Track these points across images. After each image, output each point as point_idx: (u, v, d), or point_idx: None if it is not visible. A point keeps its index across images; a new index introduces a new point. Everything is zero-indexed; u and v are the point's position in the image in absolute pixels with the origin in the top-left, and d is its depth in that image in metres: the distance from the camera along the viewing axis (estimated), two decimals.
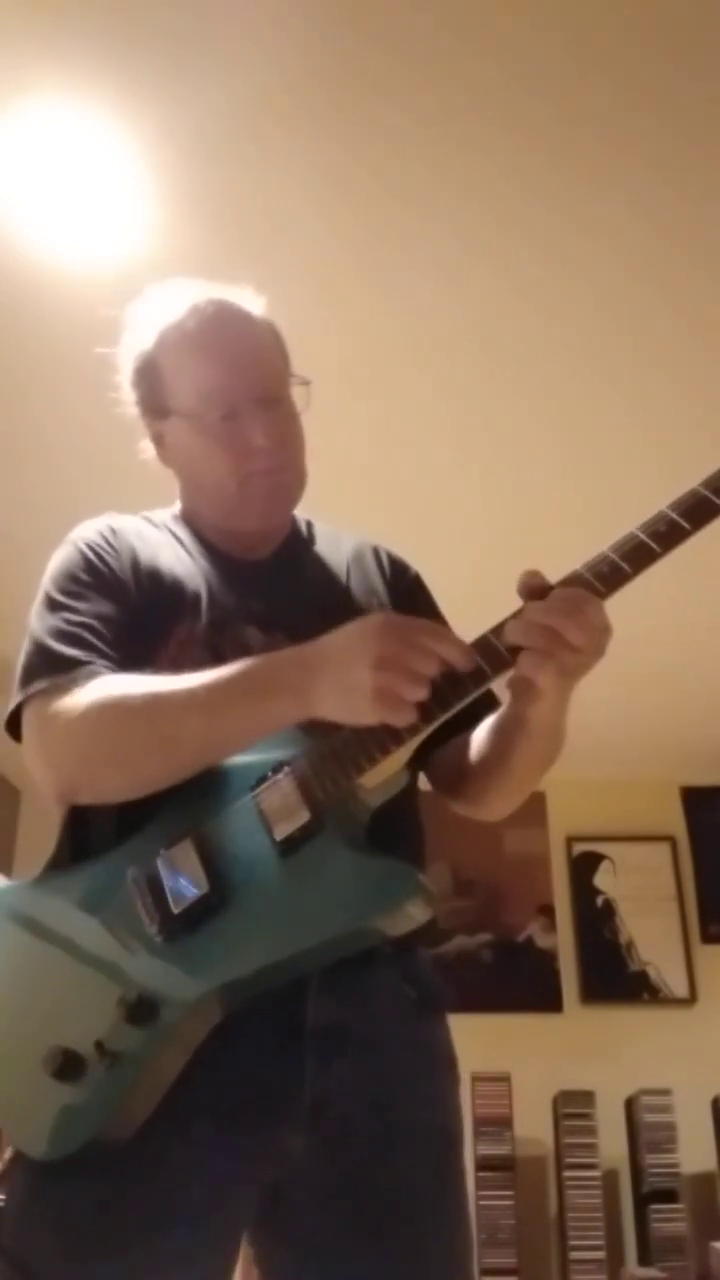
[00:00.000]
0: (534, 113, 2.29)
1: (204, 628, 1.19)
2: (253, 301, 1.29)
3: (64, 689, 1.11)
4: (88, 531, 1.26)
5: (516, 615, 1.01)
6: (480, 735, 1.19)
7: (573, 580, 1.02)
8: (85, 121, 2.28)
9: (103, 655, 1.14)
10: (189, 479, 1.31)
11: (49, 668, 1.13)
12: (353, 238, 2.56)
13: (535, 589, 1.02)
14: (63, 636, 1.15)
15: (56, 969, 1.06)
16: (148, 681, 1.09)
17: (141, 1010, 0.97)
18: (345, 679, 0.98)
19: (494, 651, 1.01)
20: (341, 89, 2.25)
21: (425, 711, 0.99)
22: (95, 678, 1.11)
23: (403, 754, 1.04)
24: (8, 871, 3.98)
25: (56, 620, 1.17)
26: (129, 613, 1.19)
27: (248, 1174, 1.03)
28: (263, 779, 1.06)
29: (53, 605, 1.19)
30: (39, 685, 1.12)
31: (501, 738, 1.15)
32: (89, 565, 1.21)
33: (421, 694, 0.97)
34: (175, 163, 2.38)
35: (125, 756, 1.09)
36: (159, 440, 1.30)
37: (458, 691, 1.00)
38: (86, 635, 1.15)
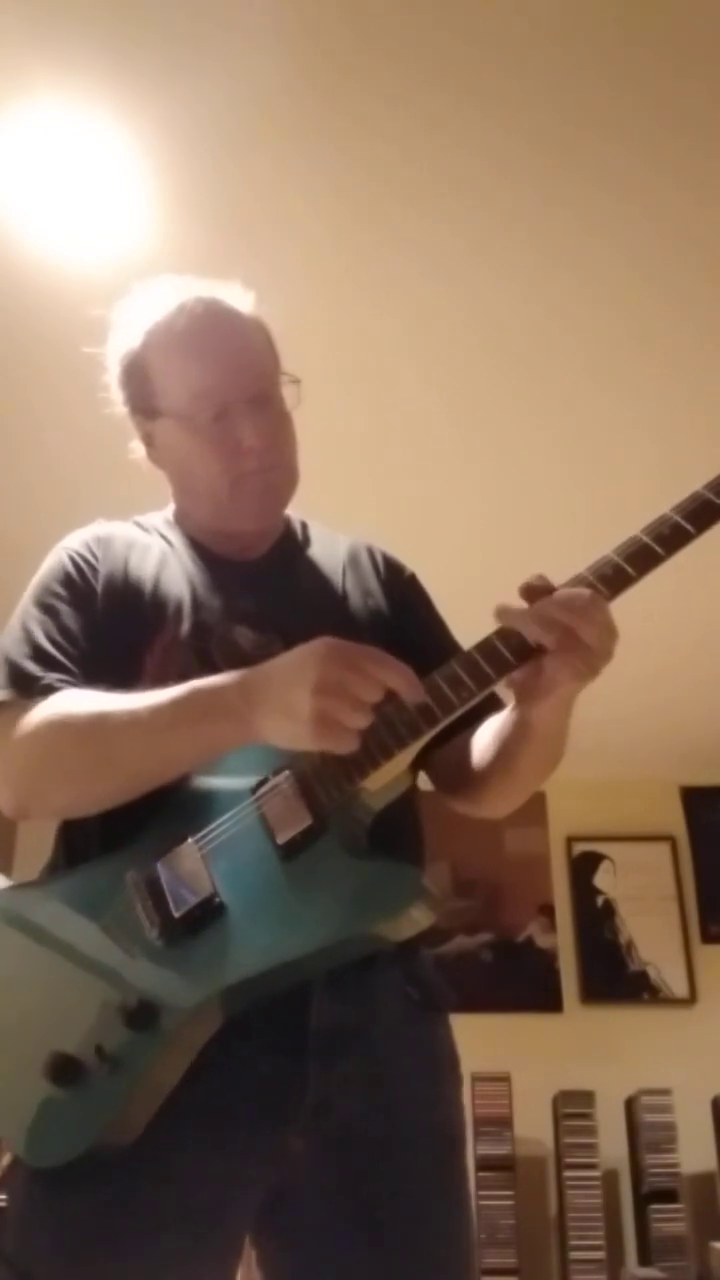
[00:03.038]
0: (534, 112, 2.29)
1: (188, 631, 1.18)
2: (241, 298, 1.27)
3: (22, 705, 1.11)
4: (73, 541, 1.26)
5: (525, 614, 1.01)
6: (484, 736, 1.19)
7: (577, 583, 1.02)
8: (85, 121, 2.28)
9: (66, 671, 1.14)
10: (180, 480, 1.30)
11: (10, 683, 1.14)
12: (353, 238, 2.56)
13: (539, 592, 1.01)
14: (28, 651, 1.15)
15: (56, 973, 1.05)
16: (99, 700, 1.09)
17: (142, 1015, 0.96)
18: (285, 704, 0.97)
19: (497, 654, 1.01)
20: (341, 89, 2.24)
21: (383, 742, 1.00)
22: (52, 694, 1.11)
23: (407, 755, 1.04)
24: (8, 871, 3.97)
25: (25, 634, 1.17)
26: (104, 625, 1.19)
27: (251, 1176, 1.02)
28: (264, 782, 1.06)
29: (25, 617, 1.19)
30: None
31: (506, 741, 1.14)
32: (67, 578, 1.22)
33: (363, 721, 0.96)
34: (175, 163, 2.38)
35: (70, 775, 1.10)
36: (149, 441, 1.29)
37: (415, 730, 1.02)
38: (52, 650, 1.15)
